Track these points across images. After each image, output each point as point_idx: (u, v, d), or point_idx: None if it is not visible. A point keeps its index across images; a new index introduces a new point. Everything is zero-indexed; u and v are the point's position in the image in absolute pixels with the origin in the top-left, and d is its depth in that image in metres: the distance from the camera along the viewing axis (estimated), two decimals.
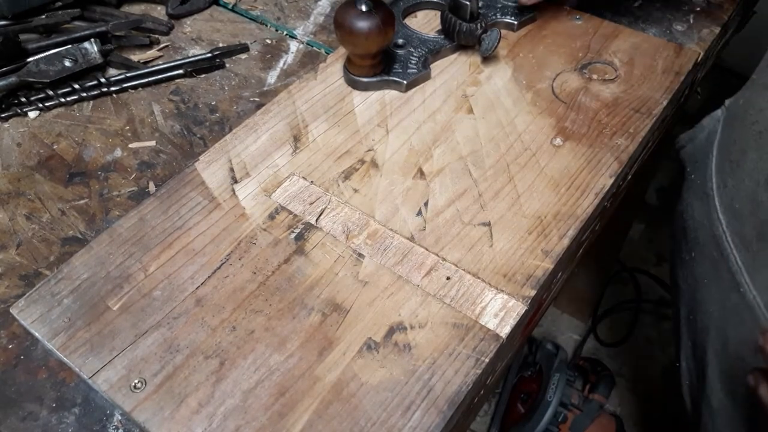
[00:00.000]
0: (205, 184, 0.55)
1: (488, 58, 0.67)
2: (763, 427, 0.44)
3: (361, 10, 0.57)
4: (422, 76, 0.64)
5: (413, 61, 0.65)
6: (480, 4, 0.65)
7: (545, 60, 0.67)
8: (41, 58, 0.66)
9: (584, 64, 0.66)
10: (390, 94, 0.63)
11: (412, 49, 0.66)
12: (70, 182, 0.60)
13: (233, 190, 0.55)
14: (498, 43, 0.62)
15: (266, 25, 0.76)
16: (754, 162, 0.54)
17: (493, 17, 0.70)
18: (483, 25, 0.63)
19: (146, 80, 0.68)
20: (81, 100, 0.67)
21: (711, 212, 0.59)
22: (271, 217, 0.53)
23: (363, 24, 0.57)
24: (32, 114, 0.65)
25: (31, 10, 0.71)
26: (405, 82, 0.62)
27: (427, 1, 0.73)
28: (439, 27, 0.68)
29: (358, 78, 0.63)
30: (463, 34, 0.63)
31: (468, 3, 0.62)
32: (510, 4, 0.71)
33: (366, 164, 0.58)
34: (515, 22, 0.69)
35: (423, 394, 0.44)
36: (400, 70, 0.63)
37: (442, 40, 0.67)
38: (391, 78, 0.63)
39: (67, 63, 0.66)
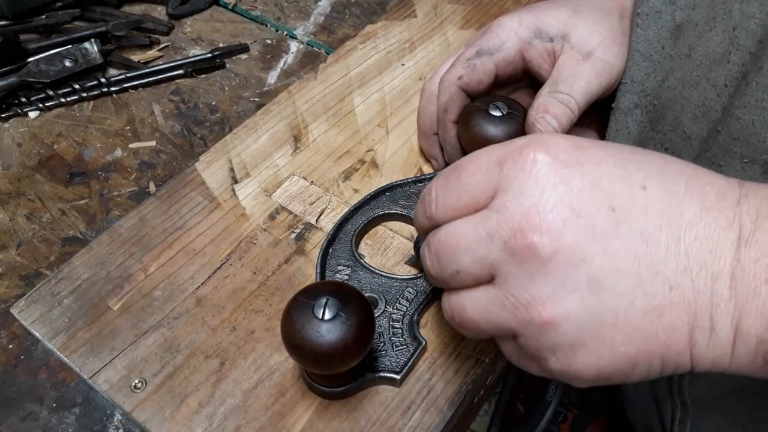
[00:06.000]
0: (206, 184, 0.55)
1: None
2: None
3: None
4: (419, 354, 0.44)
5: (398, 333, 0.45)
6: None
7: None
8: (41, 58, 0.66)
9: None
10: (390, 94, 0.63)
11: (390, 310, 0.46)
12: (71, 182, 0.60)
13: (233, 190, 0.55)
14: None
15: (266, 25, 0.76)
16: None
17: None
18: None
19: (146, 80, 0.68)
20: (81, 100, 0.67)
21: None
22: (272, 217, 0.53)
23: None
24: (32, 114, 0.65)
25: (31, 10, 0.71)
26: (398, 377, 0.43)
27: (392, 214, 0.53)
28: (411, 253, 0.51)
29: None
30: None
31: None
32: None
33: (366, 164, 0.58)
34: None
35: (423, 393, 0.44)
36: (388, 363, 0.44)
37: (426, 283, 0.48)
38: (379, 375, 0.44)
39: (68, 63, 0.66)
